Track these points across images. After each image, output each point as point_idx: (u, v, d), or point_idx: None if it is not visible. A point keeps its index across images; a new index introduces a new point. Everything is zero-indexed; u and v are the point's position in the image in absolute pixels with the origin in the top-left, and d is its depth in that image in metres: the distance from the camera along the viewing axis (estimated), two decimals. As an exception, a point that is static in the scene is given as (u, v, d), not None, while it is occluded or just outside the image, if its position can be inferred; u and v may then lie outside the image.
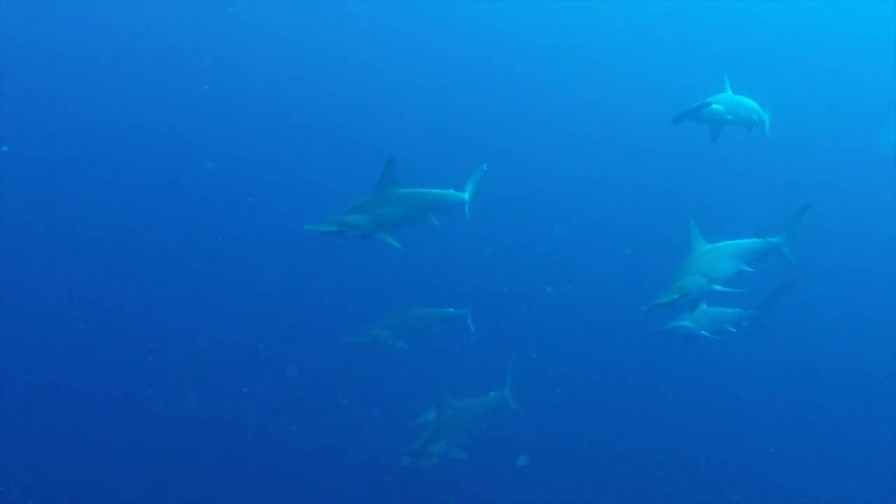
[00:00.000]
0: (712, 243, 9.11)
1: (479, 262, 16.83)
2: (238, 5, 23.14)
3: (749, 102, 11.09)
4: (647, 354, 14.46)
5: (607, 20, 26.42)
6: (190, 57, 21.31)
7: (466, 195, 9.61)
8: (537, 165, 20.33)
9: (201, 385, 13.28)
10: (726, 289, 8.83)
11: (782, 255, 9.82)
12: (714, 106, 10.49)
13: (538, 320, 15.84)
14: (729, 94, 10.91)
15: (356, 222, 8.46)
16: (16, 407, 12.23)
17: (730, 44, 23.79)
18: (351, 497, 11.95)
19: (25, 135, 17.46)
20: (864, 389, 15.94)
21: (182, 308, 14.89)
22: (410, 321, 11.58)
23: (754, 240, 9.57)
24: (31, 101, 18.34)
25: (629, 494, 13.12)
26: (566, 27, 26.26)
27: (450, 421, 9.73)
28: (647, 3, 26.46)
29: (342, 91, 21.99)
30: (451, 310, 12.10)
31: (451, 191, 9.45)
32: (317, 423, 13.09)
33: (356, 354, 12.40)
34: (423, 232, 9.63)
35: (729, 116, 10.67)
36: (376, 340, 11.31)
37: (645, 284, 9.55)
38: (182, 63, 21.07)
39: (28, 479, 11.28)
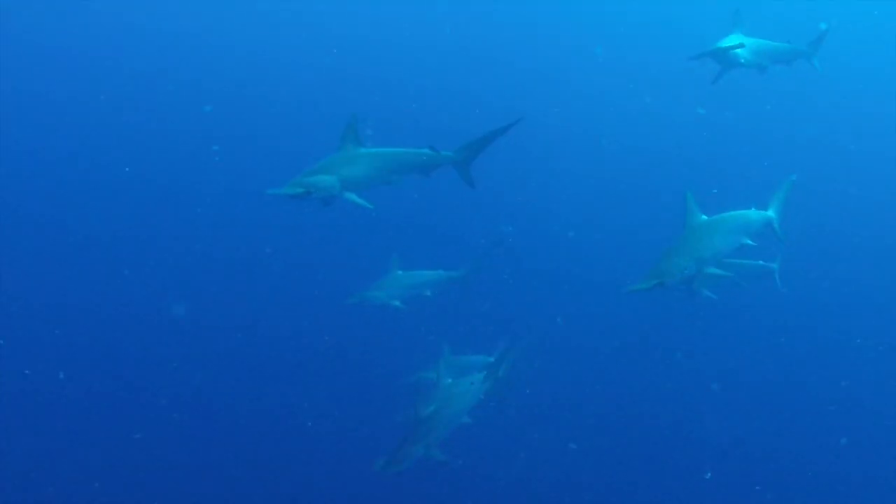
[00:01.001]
0: (711, 216, 8.41)
1: (480, 223, 16.54)
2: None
3: (764, 45, 10.93)
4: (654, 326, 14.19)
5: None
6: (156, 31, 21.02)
7: (452, 153, 8.68)
8: (540, 131, 20.01)
9: (196, 352, 13.02)
10: (719, 271, 8.19)
11: (773, 231, 9.24)
12: (740, 51, 10.42)
13: (540, 286, 15.62)
14: (740, 35, 10.71)
15: (323, 183, 7.89)
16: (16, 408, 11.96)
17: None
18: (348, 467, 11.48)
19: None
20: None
21: (168, 280, 14.53)
22: (407, 282, 11.32)
23: (755, 211, 8.94)
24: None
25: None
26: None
27: (428, 421, 8.64)
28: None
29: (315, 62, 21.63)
30: (450, 271, 11.78)
31: (427, 149, 8.56)
32: (313, 389, 12.77)
33: (352, 316, 12.18)
34: (421, 192, 9.28)
35: (741, 61, 10.60)
36: (370, 301, 11.05)
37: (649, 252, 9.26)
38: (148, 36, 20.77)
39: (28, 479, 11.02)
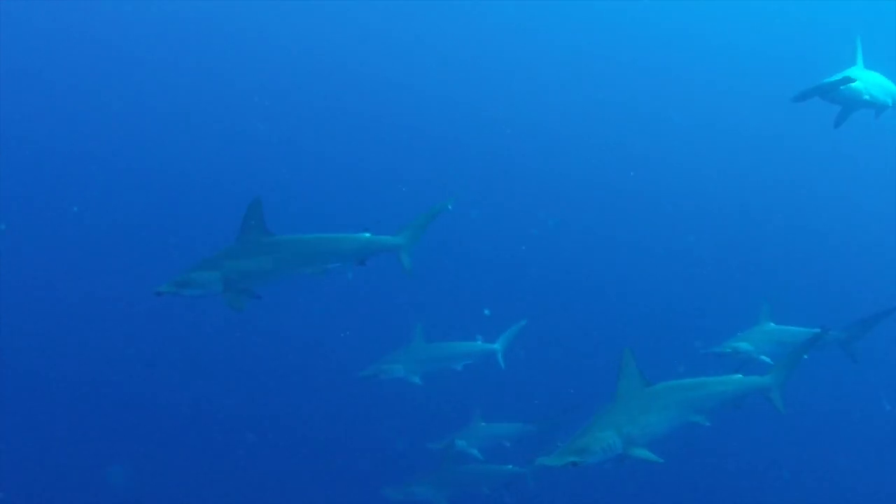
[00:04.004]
0: (656, 384, 6.95)
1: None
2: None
3: (885, 81, 9.11)
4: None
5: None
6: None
7: (394, 238, 7.63)
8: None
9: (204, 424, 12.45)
10: (649, 454, 6.59)
11: (770, 400, 7.58)
12: (855, 84, 8.50)
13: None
14: (859, 68, 8.88)
15: (201, 280, 7.00)
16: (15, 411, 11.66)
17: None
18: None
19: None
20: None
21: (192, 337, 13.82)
22: (431, 354, 10.33)
23: (724, 379, 7.37)
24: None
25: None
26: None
27: (449, 474, 8.95)
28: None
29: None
30: (478, 344, 10.77)
31: (364, 234, 7.57)
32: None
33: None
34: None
35: (866, 97, 8.68)
36: (387, 375, 10.04)
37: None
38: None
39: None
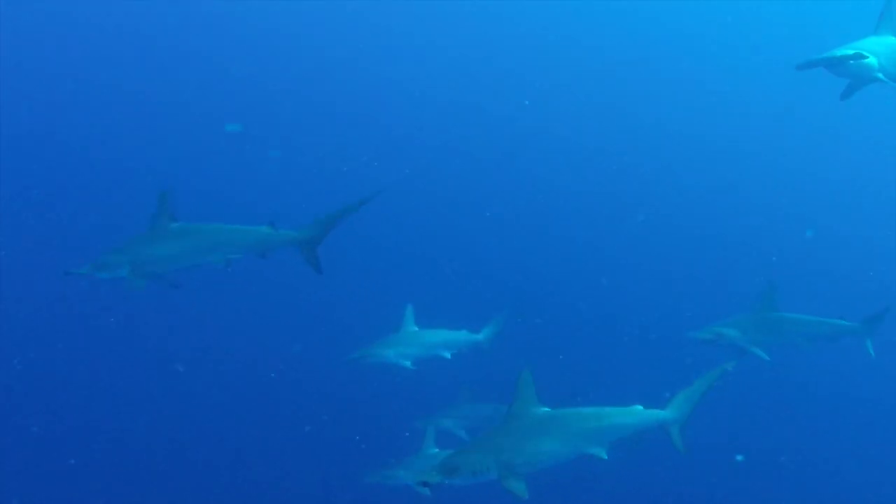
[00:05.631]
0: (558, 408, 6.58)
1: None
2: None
3: None
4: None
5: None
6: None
7: (294, 232, 7.94)
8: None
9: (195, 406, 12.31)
10: (519, 489, 6.11)
11: (669, 436, 7.07)
12: (868, 60, 7.55)
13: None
14: (884, 36, 7.82)
15: (110, 263, 7.58)
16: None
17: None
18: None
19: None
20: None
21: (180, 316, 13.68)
22: (422, 340, 10.08)
23: (625, 410, 6.80)
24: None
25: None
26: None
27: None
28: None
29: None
30: (474, 333, 10.48)
31: (265, 227, 7.93)
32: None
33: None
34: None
35: (880, 75, 7.66)
36: (376, 360, 9.85)
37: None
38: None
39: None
